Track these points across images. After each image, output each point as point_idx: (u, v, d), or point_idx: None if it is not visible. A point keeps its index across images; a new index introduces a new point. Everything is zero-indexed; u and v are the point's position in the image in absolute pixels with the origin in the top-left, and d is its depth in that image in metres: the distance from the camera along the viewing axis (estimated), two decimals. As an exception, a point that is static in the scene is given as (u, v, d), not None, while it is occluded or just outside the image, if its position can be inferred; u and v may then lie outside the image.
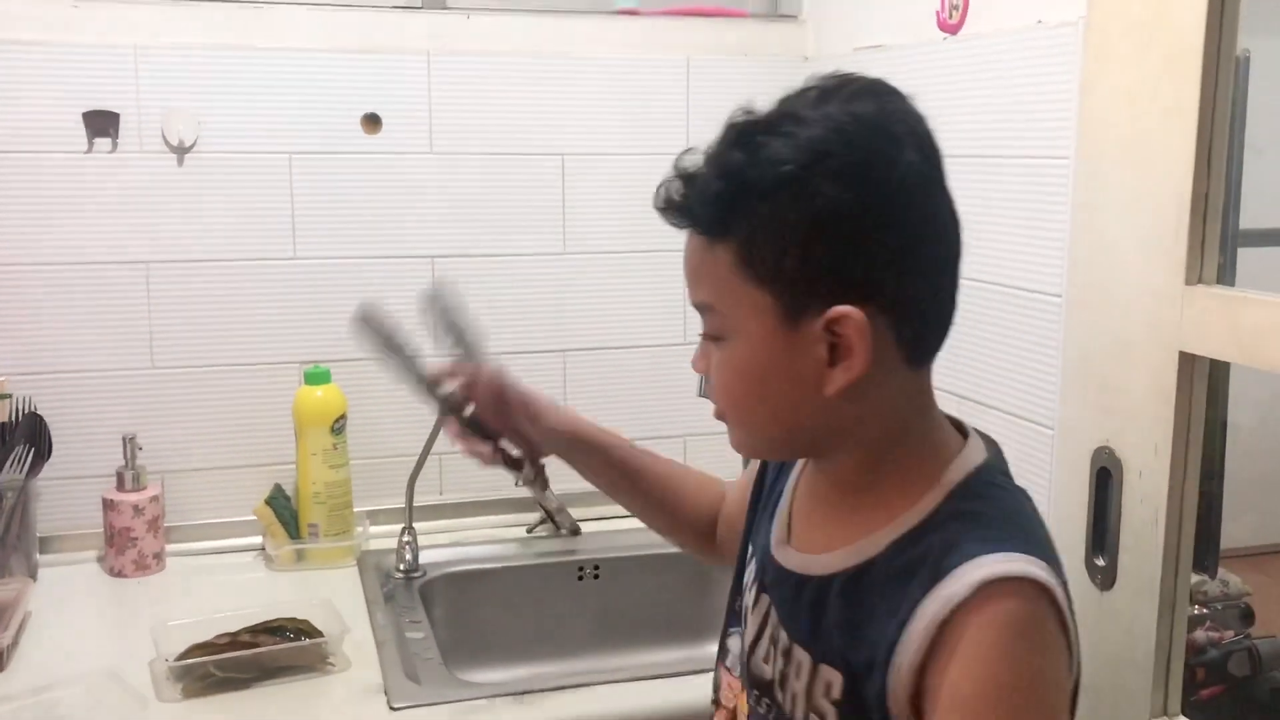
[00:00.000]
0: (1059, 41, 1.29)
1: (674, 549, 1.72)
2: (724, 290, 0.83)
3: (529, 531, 1.79)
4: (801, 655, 0.86)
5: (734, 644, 1.03)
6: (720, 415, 0.89)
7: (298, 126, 1.69)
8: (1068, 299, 1.27)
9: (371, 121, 1.72)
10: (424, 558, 1.66)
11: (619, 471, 1.17)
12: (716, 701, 1.05)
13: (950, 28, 1.50)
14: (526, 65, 1.76)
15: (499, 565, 1.72)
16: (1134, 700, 1.14)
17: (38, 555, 1.61)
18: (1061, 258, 1.29)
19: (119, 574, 1.61)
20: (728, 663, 1.04)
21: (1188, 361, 1.11)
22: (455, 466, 1.76)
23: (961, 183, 1.45)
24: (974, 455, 0.86)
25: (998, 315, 1.41)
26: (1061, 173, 1.28)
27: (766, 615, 0.92)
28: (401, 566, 1.64)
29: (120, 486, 1.61)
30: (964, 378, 1.48)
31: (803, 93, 0.83)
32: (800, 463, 0.97)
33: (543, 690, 1.29)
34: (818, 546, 0.88)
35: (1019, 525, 0.83)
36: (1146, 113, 1.13)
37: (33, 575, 1.57)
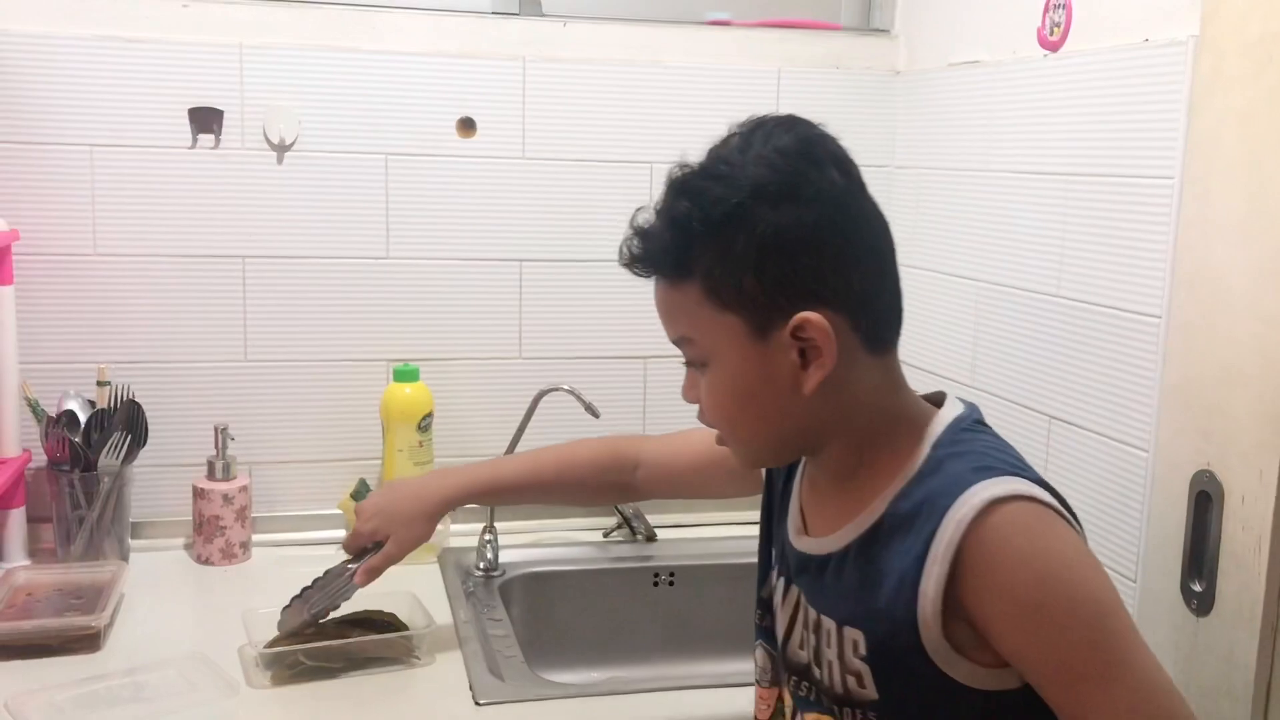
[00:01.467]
0: (1167, 60, 1.28)
1: (751, 559, 1.76)
2: (697, 322, 0.92)
3: (605, 536, 1.80)
4: (828, 623, 0.95)
5: (759, 656, 1.11)
6: (721, 440, 0.99)
7: (395, 128, 1.72)
8: (1168, 321, 1.26)
9: (466, 126, 1.74)
10: (503, 557, 1.68)
11: (506, 502, 1.49)
12: (756, 718, 1.12)
13: (1051, 45, 1.49)
14: (619, 73, 1.78)
15: (576, 568, 1.73)
16: (1231, 729, 1.13)
17: (129, 540, 1.65)
18: (1162, 279, 1.27)
19: (206, 561, 1.64)
20: (756, 676, 1.12)
21: (1297, 387, 1.09)
22: (535, 468, 1.78)
23: (1058, 200, 1.46)
24: (950, 411, 0.96)
25: (1092, 335, 1.40)
26: (1165, 193, 1.27)
27: (797, 603, 1.00)
28: (482, 565, 1.66)
29: (211, 475, 1.65)
30: (1056, 398, 1.47)
31: (727, 140, 0.93)
32: (801, 463, 1.05)
33: (626, 692, 1.30)
34: (829, 528, 0.97)
35: (1007, 457, 0.91)
36: (1260, 134, 1.12)
37: (124, 559, 1.61)
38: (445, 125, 1.73)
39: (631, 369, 1.84)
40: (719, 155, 0.93)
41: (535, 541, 1.77)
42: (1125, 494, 1.32)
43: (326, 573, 1.36)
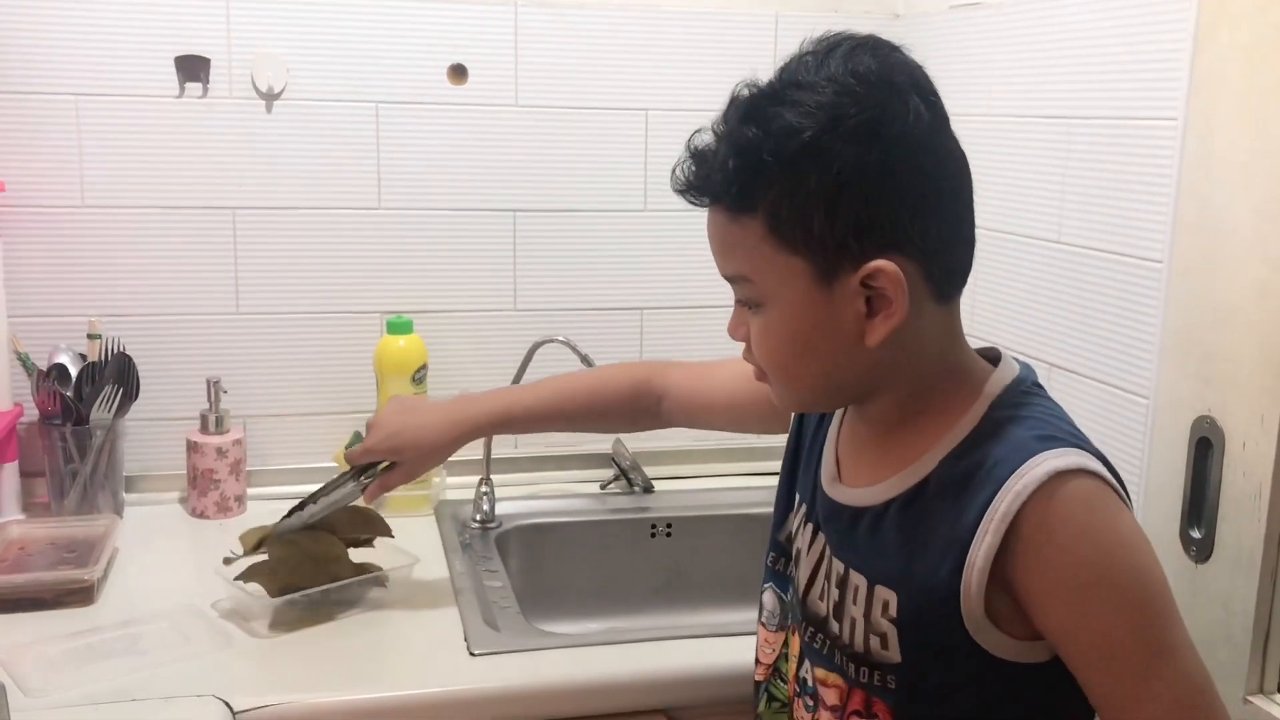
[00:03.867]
0: (1171, -1, 1.25)
1: (749, 510, 1.75)
2: (756, 260, 0.86)
3: (603, 488, 1.80)
4: (858, 579, 0.91)
5: (767, 599, 1.07)
6: (762, 376, 0.94)
7: (385, 76, 1.69)
8: (1170, 265, 1.24)
9: (458, 73, 1.71)
10: (499, 509, 1.67)
11: (531, 430, 1.38)
12: (758, 660, 1.09)
13: (1053, -15, 1.46)
14: (613, 18, 1.74)
15: (573, 519, 1.72)
16: (1230, 676, 1.12)
17: (123, 494, 1.64)
18: (1164, 223, 1.25)
19: (201, 515, 1.64)
20: (763, 618, 1.08)
21: (1300, 331, 1.07)
22: (531, 420, 1.77)
23: (1059, 144, 1.44)
24: (1008, 371, 0.91)
25: (1093, 281, 1.38)
26: (1168, 135, 1.25)
27: (821, 553, 0.96)
28: (478, 517, 1.65)
29: (204, 429, 1.64)
30: (1056, 345, 1.45)
31: (800, 59, 0.86)
32: (839, 410, 1.01)
33: (623, 642, 1.29)
34: (869, 480, 0.92)
35: (1066, 425, 0.87)
36: (1265, 71, 1.09)
37: (119, 513, 1.60)
38: (436, 73, 1.70)
39: (628, 320, 1.82)
40: (791, 76, 0.85)
41: (532, 494, 1.76)
42: (1125, 441, 1.31)
43: (326, 484, 1.34)
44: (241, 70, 1.64)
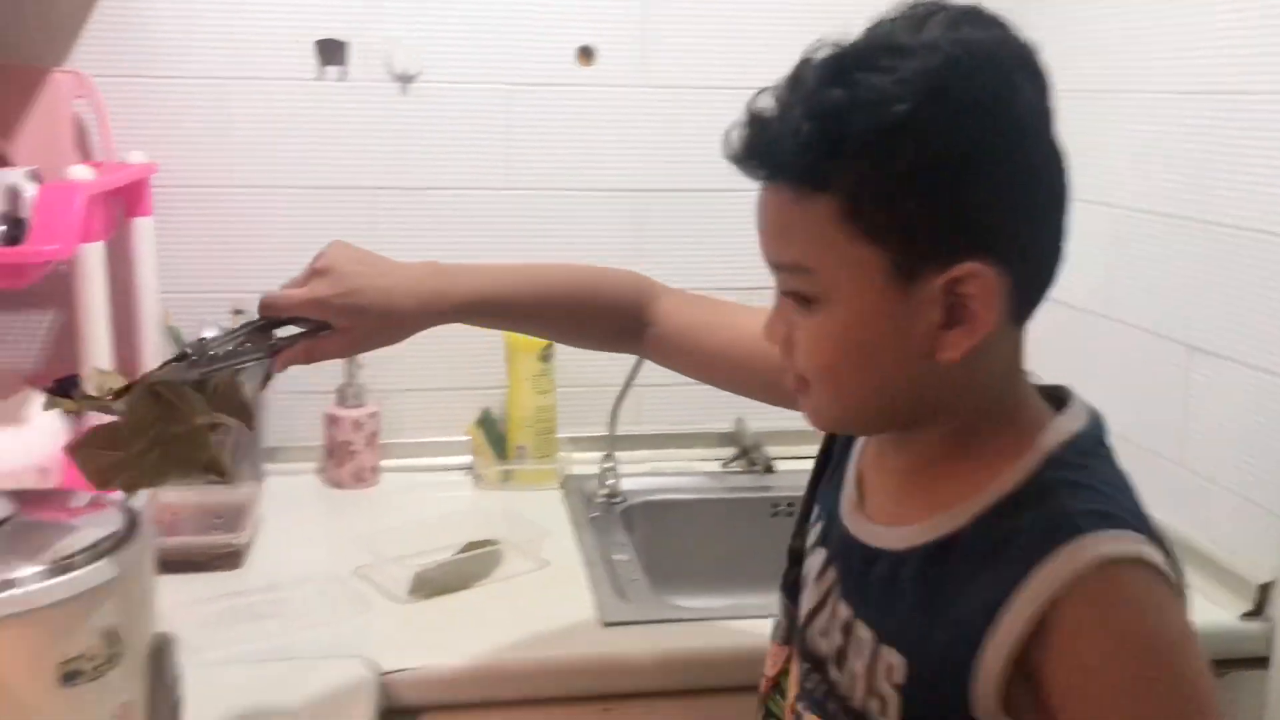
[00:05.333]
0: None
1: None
2: (822, 248, 0.73)
3: (724, 466, 1.81)
4: (864, 632, 0.80)
5: (778, 608, 0.97)
6: (801, 385, 0.80)
7: (515, 59, 1.71)
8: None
9: (586, 54, 1.73)
10: (623, 485, 1.69)
11: (499, 326, 1.17)
12: (764, 672, 0.99)
13: (1200, -45, 1.41)
14: (742, -2, 1.75)
15: (696, 497, 1.74)
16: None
17: (264, 464, 1.70)
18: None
19: (337, 485, 1.69)
20: (772, 630, 0.97)
21: None
22: (655, 399, 1.79)
23: (1202, 121, 1.39)
24: (1073, 421, 0.78)
25: (1237, 260, 1.34)
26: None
27: (830, 587, 0.86)
28: (604, 492, 1.68)
29: (342, 402, 1.69)
30: (1197, 327, 1.41)
31: (893, 20, 0.74)
32: None
33: (751, 616, 1.30)
34: (892, 518, 0.82)
35: (1128, 501, 0.75)
36: None
37: (260, 481, 1.66)
38: (565, 54, 1.73)
39: (757, 301, 1.82)
40: (885, 39, 0.73)
41: (654, 470, 1.78)
42: (1272, 428, 1.27)
43: (227, 332, 0.97)
44: (378, 54, 1.68)
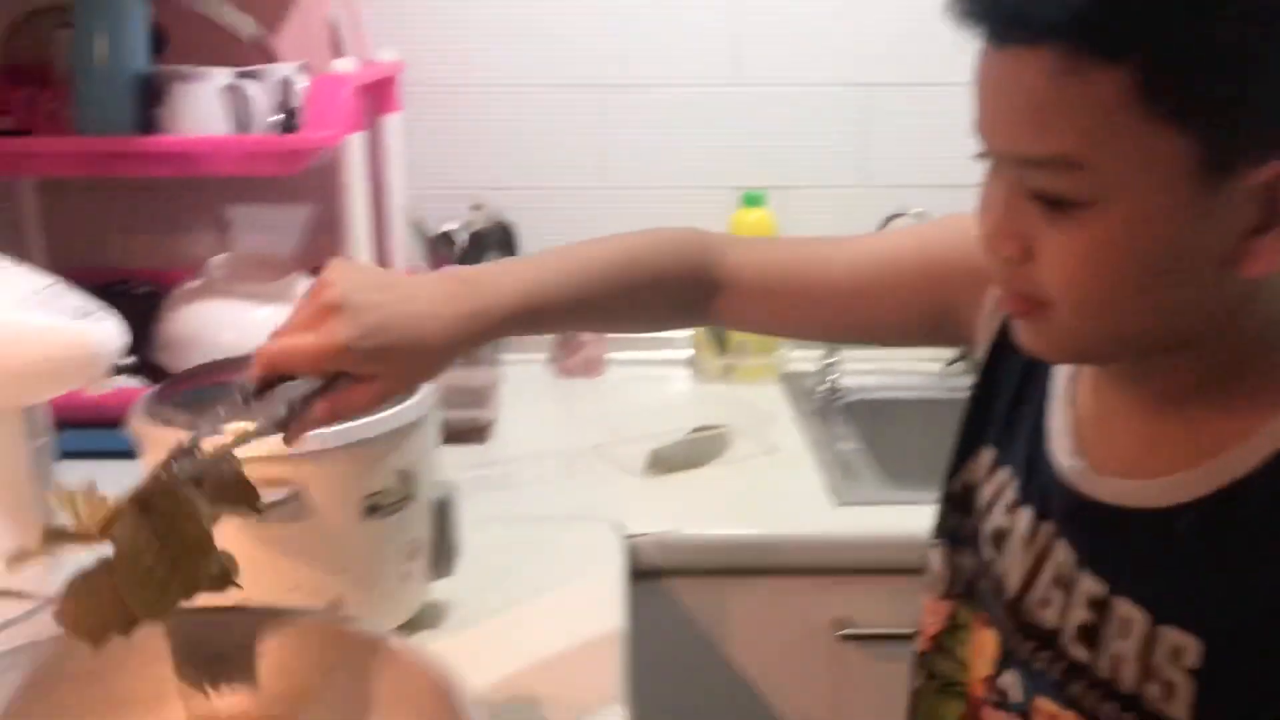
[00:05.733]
0: None
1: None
2: (1103, 134, 0.59)
3: (948, 365, 1.80)
4: (1130, 611, 0.67)
5: (936, 561, 0.85)
6: (1027, 310, 0.67)
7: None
8: None
9: (816, -53, 1.73)
10: (843, 382, 1.71)
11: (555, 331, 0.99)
12: (920, 629, 0.87)
13: None
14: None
15: (917, 395, 1.75)
16: None
17: (500, 353, 1.79)
18: None
19: (567, 374, 1.77)
20: (927, 580, 0.85)
21: None
22: (877, 297, 1.79)
23: None
24: None
25: None
26: None
27: (1047, 550, 0.73)
28: (823, 388, 1.70)
29: (572, 294, 1.76)
30: None
31: None
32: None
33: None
34: (1139, 469, 0.69)
35: None
36: None
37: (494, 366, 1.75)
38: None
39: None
40: None
41: (876, 369, 1.79)
42: None
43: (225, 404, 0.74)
44: (611, -47, 1.72)
